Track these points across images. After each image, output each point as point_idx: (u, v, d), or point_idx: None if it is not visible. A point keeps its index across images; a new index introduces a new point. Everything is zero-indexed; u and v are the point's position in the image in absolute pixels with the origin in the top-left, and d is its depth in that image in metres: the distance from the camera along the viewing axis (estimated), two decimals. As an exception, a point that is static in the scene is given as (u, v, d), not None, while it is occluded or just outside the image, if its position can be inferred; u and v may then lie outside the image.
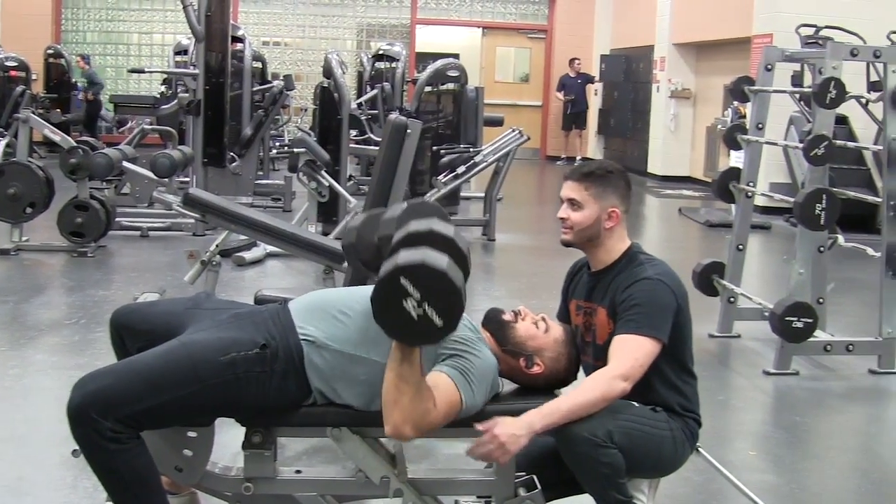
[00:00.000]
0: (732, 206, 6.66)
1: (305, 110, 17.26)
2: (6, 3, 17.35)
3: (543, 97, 19.41)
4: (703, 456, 3.05)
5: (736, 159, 9.06)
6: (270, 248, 7.60)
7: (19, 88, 14.26)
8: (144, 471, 2.54)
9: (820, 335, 5.53)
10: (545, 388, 2.85)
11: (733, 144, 6.41)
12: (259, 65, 13.70)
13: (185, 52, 13.17)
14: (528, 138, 9.62)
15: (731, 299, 6.10)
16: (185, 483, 2.78)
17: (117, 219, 8.58)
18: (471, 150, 9.53)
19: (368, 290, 2.46)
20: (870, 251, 5.54)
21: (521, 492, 2.74)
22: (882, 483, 4.10)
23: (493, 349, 2.79)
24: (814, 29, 9.72)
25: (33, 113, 8.69)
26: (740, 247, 6.17)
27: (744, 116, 9.32)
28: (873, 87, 9.60)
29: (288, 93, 12.02)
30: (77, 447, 2.53)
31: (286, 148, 13.74)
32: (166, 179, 7.96)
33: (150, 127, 10.35)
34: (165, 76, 13.94)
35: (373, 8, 19.07)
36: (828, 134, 5.29)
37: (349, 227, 2.97)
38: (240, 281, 7.20)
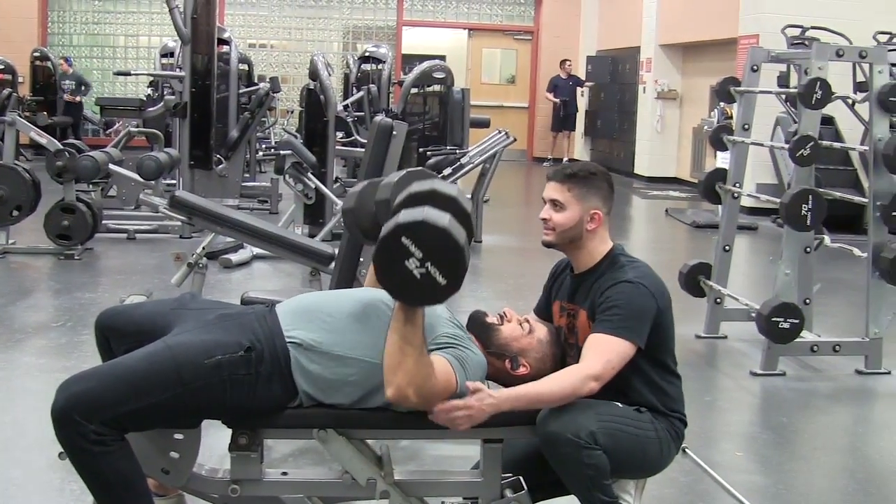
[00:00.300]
0: (719, 206, 6.68)
1: (292, 112, 17.26)
2: (-8, 7, 17.32)
3: (530, 98, 19.42)
4: (690, 457, 3.05)
5: (722, 160, 9.11)
6: (257, 251, 7.59)
7: (6, 91, 14.15)
8: (129, 473, 2.53)
9: (806, 336, 5.54)
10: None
11: (719, 145, 6.42)
12: (245, 67, 13.75)
13: (172, 54, 13.17)
14: (515, 140, 9.61)
15: (718, 300, 6.11)
16: (171, 485, 2.77)
17: (104, 221, 8.57)
18: (457, 151, 9.51)
19: (356, 291, 2.46)
20: (856, 252, 5.55)
21: (508, 493, 2.73)
22: (868, 483, 4.11)
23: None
24: (800, 30, 9.78)
25: (19, 116, 8.66)
26: (727, 247, 6.19)
27: (730, 117, 9.33)
28: (859, 87, 9.66)
29: (274, 95, 11.99)
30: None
31: (272, 150, 13.74)
32: (153, 182, 7.98)
33: (136, 129, 10.29)
34: (152, 78, 13.92)
35: (359, 10, 19.06)
36: (814, 134, 5.31)
37: (350, 191, 2.96)
38: (226, 283, 7.19)
